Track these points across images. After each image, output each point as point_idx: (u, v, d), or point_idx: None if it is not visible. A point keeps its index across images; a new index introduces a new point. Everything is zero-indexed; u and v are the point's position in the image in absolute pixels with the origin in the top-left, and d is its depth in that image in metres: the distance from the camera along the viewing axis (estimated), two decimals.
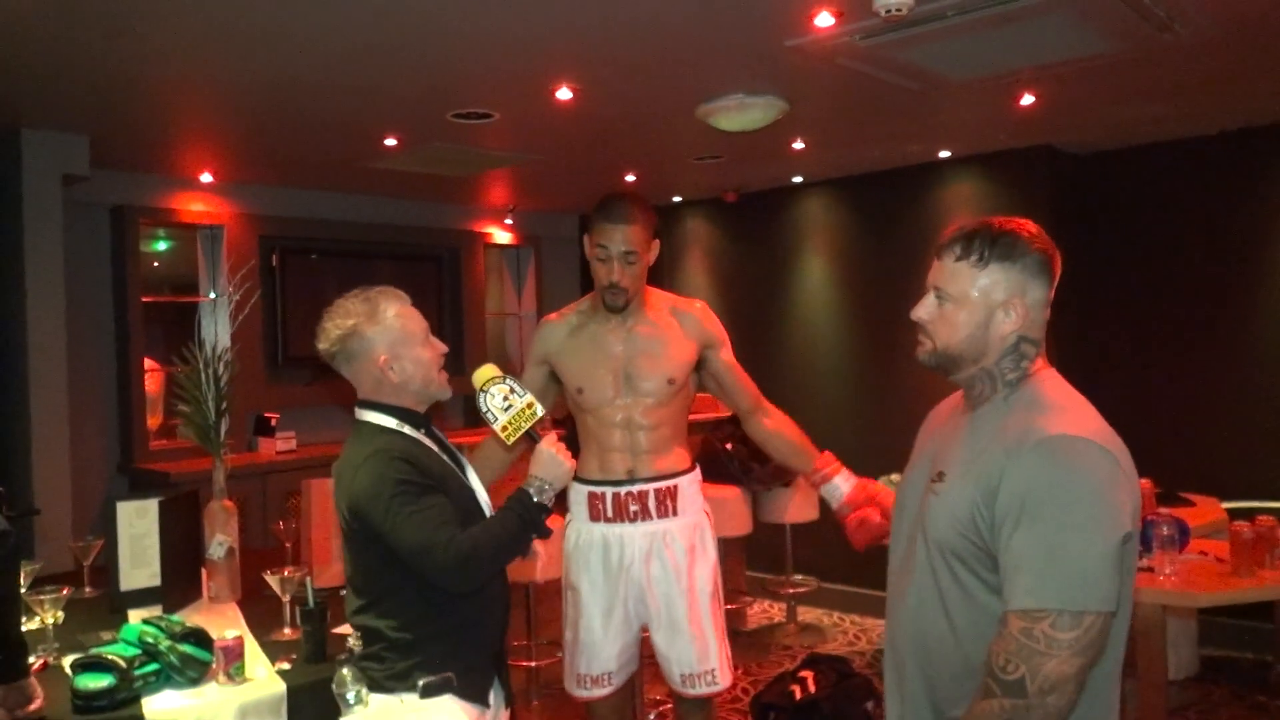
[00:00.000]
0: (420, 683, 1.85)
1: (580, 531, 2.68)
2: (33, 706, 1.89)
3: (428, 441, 2.00)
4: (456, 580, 1.84)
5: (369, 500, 1.84)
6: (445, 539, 1.80)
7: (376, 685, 1.91)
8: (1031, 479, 1.34)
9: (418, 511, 1.82)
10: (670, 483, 2.63)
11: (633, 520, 2.61)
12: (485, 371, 2.05)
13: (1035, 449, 1.36)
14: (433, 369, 2.00)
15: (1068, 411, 1.42)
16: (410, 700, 1.87)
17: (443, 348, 2.05)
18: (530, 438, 2.02)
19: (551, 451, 1.95)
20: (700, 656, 2.61)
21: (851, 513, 2.32)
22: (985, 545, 1.38)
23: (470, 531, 1.84)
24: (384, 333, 1.95)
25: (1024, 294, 1.48)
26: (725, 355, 2.73)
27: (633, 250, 2.56)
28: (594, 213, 2.62)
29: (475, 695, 1.95)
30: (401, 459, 1.87)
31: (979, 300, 1.49)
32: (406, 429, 1.97)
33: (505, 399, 2.00)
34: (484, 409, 2.01)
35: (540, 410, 2.02)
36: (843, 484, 2.52)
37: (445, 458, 2.02)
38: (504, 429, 2.00)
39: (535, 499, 1.91)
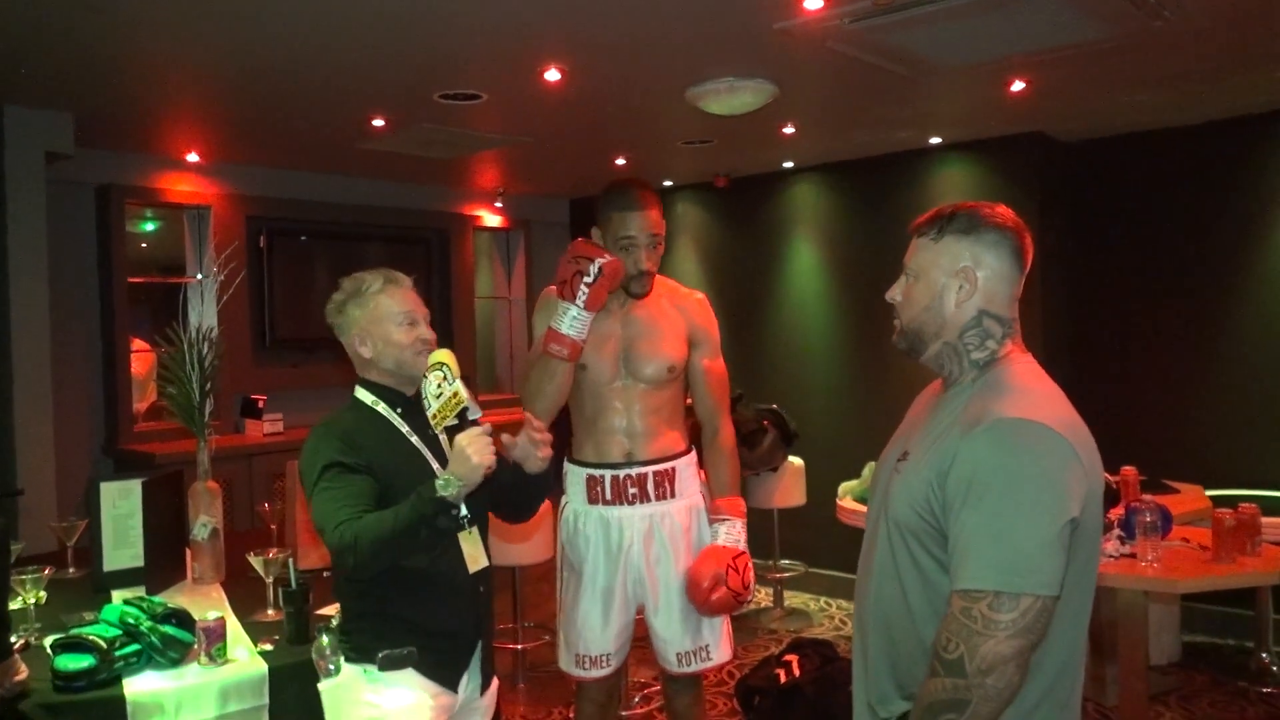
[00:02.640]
0: (380, 654, 1.87)
1: (578, 514, 2.68)
2: (19, 677, 1.90)
3: (398, 423, 2.01)
4: (340, 564, 1.84)
5: (302, 473, 1.93)
6: (337, 521, 1.80)
7: (347, 656, 1.96)
8: (980, 460, 1.35)
9: (329, 489, 1.86)
10: (668, 465, 2.64)
11: (631, 503, 2.62)
12: (434, 355, 1.99)
13: (987, 431, 1.37)
14: (405, 351, 2.01)
15: (1028, 396, 1.43)
16: (371, 671, 1.90)
17: (425, 334, 2.04)
18: (462, 425, 1.92)
19: (463, 446, 1.83)
20: (695, 634, 2.63)
21: (700, 562, 2.53)
22: (938, 524, 1.40)
23: (365, 518, 1.81)
24: (361, 310, 2.03)
25: (978, 265, 1.50)
26: (705, 359, 2.70)
27: (658, 234, 2.59)
28: (607, 203, 2.61)
29: (442, 677, 1.97)
30: (339, 436, 1.92)
31: (935, 273, 1.52)
32: (381, 406, 2.03)
33: (438, 386, 1.92)
34: (423, 394, 1.97)
35: (467, 402, 1.89)
36: (720, 534, 2.60)
37: (417, 442, 2.01)
38: (434, 416, 1.93)
39: (438, 493, 1.80)
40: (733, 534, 2.58)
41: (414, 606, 1.95)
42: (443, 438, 2.03)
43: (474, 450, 1.81)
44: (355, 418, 2.01)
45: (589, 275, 2.44)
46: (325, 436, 1.94)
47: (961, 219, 1.52)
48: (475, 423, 1.89)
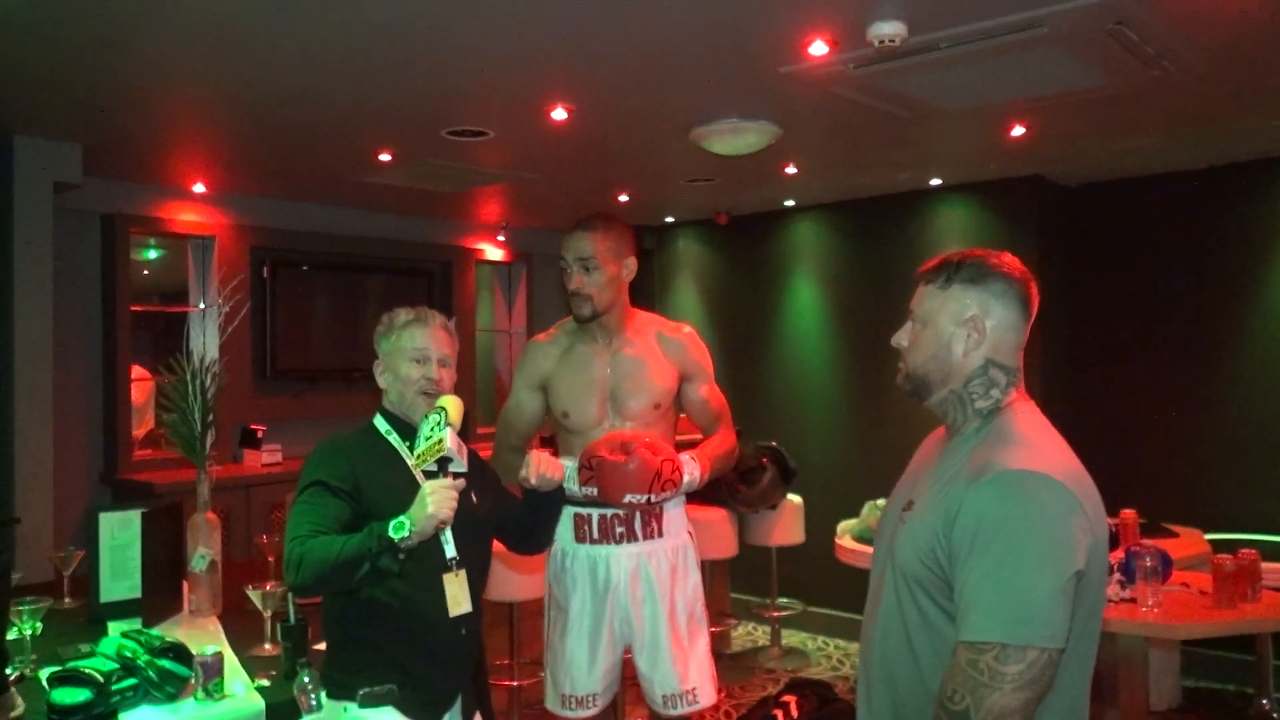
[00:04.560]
0: (361, 692, 1.86)
1: (565, 552, 2.67)
2: (14, 713, 1.89)
3: (406, 455, 2.06)
4: (286, 578, 1.89)
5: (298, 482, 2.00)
6: (294, 535, 1.87)
7: (329, 693, 1.96)
8: (985, 512, 1.35)
9: (305, 504, 1.93)
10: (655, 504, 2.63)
11: (618, 541, 2.61)
12: (440, 400, 2.02)
13: (991, 482, 1.37)
14: (409, 387, 2.09)
15: (1032, 447, 1.43)
16: (351, 709, 1.89)
17: (431, 373, 2.10)
18: (443, 471, 1.94)
19: (425, 493, 1.85)
20: (681, 676, 2.61)
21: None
22: (944, 574, 1.40)
23: (317, 539, 1.86)
24: (386, 343, 2.14)
25: (986, 315, 1.51)
26: (702, 390, 2.72)
27: (589, 257, 2.58)
28: None
29: (421, 718, 1.96)
30: (342, 456, 2.00)
31: (942, 321, 1.53)
32: (394, 437, 2.10)
33: (431, 429, 1.94)
34: (417, 433, 1.99)
35: (448, 452, 1.91)
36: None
37: (419, 476, 2.00)
38: (417, 457, 1.96)
39: (388, 533, 1.82)
40: (689, 468, 2.52)
41: (393, 646, 1.98)
42: (422, 479, 2.01)
43: (434, 500, 1.83)
44: (365, 442, 2.09)
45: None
46: (328, 454, 2.02)
47: (970, 268, 1.52)
48: (450, 475, 1.91)
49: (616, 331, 2.67)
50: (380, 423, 2.13)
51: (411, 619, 1.99)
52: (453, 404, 1.99)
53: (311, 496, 1.94)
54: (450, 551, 2.03)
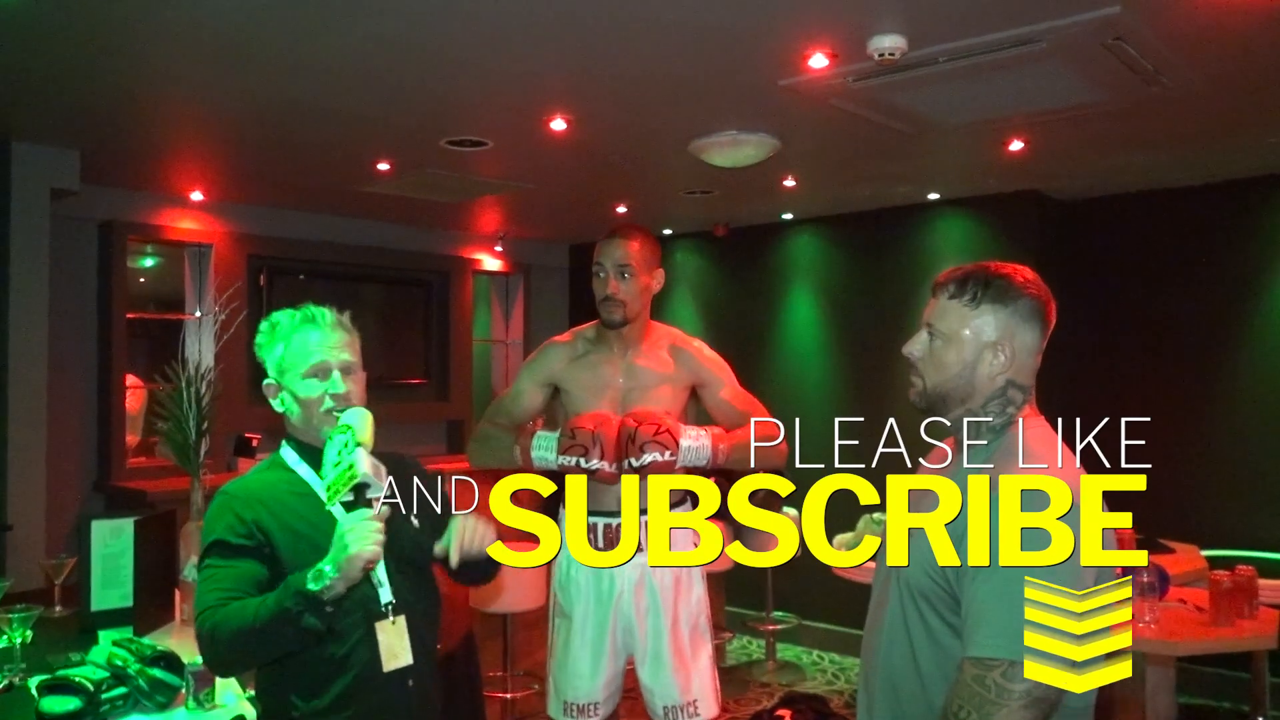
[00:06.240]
0: None
1: (571, 560, 2.66)
2: None
3: (318, 486, 1.73)
4: (202, 656, 1.64)
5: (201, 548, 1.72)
6: (203, 607, 1.60)
7: None
8: None
9: (209, 570, 1.65)
10: None
11: None
12: (345, 415, 1.70)
13: None
14: (310, 409, 1.75)
15: (1039, 461, 1.42)
16: None
17: (336, 389, 1.75)
18: (360, 503, 1.63)
19: (342, 532, 1.56)
20: (683, 688, 2.60)
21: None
22: (950, 589, 1.39)
23: (230, 606, 1.58)
24: (267, 356, 1.80)
25: (1014, 337, 1.50)
26: (723, 393, 2.69)
27: (627, 264, 2.60)
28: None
29: None
30: (242, 506, 1.69)
31: (969, 340, 1.50)
32: (304, 470, 1.78)
33: (338, 454, 1.62)
34: (323, 460, 1.68)
35: (364, 476, 1.61)
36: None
37: (339, 514, 1.67)
38: (330, 489, 1.63)
39: (307, 586, 1.53)
40: (692, 434, 2.49)
41: (329, 707, 1.69)
42: (342, 513, 1.66)
43: (353, 536, 1.54)
44: (271, 481, 1.77)
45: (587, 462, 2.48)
46: (223, 508, 1.71)
47: (998, 287, 1.49)
48: (370, 503, 1.61)
49: (634, 342, 2.67)
50: (288, 453, 1.81)
51: (349, 679, 1.69)
52: (360, 419, 1.67)
53: (213, 562, 1.65)
54: (385, 596, 1.73)
